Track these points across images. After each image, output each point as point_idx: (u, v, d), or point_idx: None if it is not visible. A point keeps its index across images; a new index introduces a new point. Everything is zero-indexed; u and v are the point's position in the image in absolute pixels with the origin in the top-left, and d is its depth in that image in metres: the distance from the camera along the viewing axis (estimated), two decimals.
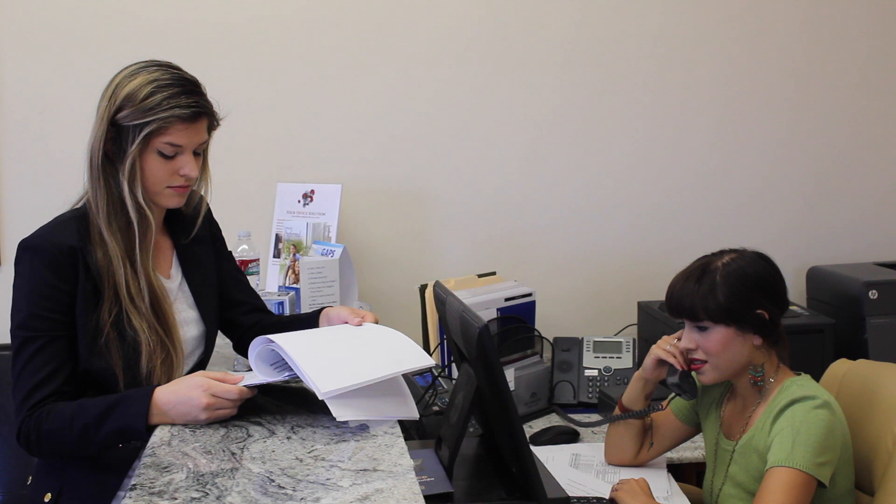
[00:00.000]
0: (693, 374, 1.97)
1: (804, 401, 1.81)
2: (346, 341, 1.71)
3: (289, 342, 1.59)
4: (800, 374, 1.92)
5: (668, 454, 2.24)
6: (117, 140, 1.69)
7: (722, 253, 1.93)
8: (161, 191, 1.74)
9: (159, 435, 1.51)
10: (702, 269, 1.90)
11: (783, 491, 1.74)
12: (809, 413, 1.79)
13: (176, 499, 1.25)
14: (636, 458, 2.14)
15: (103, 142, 1.69)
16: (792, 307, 2.57)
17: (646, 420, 2.13)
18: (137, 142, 1.67)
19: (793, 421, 1.79)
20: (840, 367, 2.09)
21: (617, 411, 2.12)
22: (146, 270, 1.73)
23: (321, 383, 1.50)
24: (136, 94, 1.67)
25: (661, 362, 2.01)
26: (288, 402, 1.66)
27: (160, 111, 1.66)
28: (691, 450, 2.29)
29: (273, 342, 1.58)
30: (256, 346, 1.62)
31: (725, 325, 1.86)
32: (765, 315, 1.87)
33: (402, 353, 1.67)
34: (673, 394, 2.07)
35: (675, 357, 1.97)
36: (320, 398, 1.50)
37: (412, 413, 1.62)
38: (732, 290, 1.85)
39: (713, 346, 1.88)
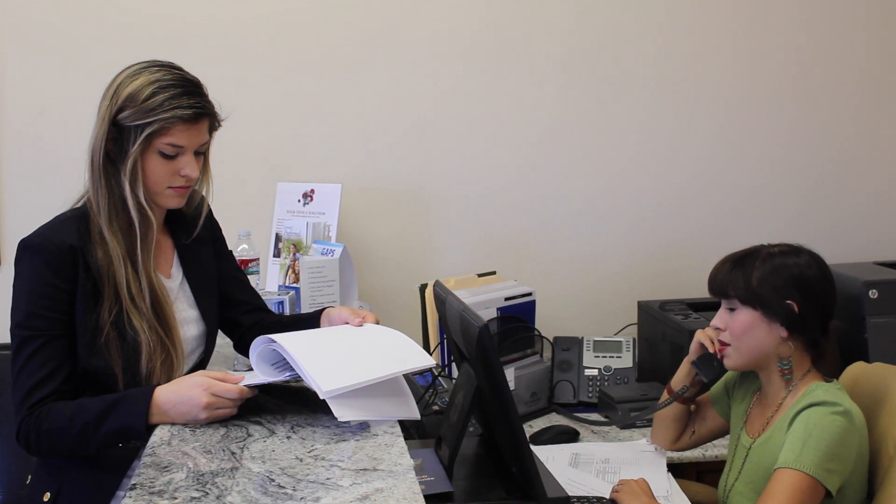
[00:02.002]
0: (719, 358, 1.96)
1: (823, 405, 1.78)
2: (347, 341, 1.72)
3: (290, 342, 1.59)
4: (831, 381, 1.89)
5: (669, 454, 2.25)
6: (119, 140, 1.69)
7: (777, 244, 1.93)
8: (162, 191, 1.74)
9: (159, 434, 1.51)
10: (746, 252, 1.92)
11: (787, 493, 1.72)
12: (825, 417, 1.76)
13: (176, 498, 1.25)
14: (677, 443, 2.16)
15: (104, 142, 1.69)
16: None
17: (690, 407, 2.12)
18: (139, 142, 1.67)
19: (807, 423, 1.77)
20: (855, 370, 2.07)
21: (664, 395, 2.13)
22: (147, 271, 1.73)
23: (323, 383, 1.50)
24: (137, 94, 1.67)
25: (703, 346, 2.02)
26: (288, 402, 1.66)
27: (162, 112, 1.66)
28: (691, 449, 2.29)
29: (274, 342, 1.58)
30: (258, 345, 1.62)
31: (752, 308, 1.87)
32: (794, 307, 1.84)
33: (402, 353, 1.67)
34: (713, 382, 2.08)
35: (711, 341, 1.98)
36: (321, 398, 1.50)
37: (413, 413, 1.62)
38: (765, 274, 1.86)
39: (737, 327, 1.88)
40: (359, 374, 1.54)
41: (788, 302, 1.85)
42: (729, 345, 1.91)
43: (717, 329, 1.94)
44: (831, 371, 1.92)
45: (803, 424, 1.77)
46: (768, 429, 1.89)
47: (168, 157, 1.70)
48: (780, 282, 1.85)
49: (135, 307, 1.70)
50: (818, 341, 1.89)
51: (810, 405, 1.79)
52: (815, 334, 1.88)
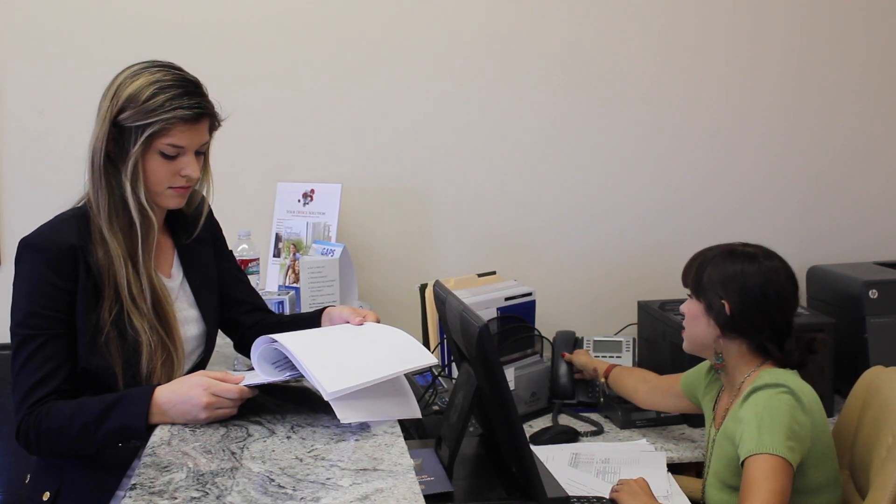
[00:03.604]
0: None
1: (767, 387, 1.83)
2: (349, 341, 1.71)
3: (293, 342, 1.58)
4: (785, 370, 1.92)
5: (669, 454, 2.26)
6: (119, 141, 1.69)
7: (751, 245, 1.98)
8: (162, 191, 1.74)
9: (159, 434, 1.51)
10: (719, 247, 1.99)
11: (765, 478, 1.73)
12: (772, 398, 1.81)
13: (176, 498, 1.25)
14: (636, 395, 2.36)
15: (105, 142, 1.69)
16: None
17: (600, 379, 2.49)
18: (140, 143, 1.67)
19: (756, 407, 1.81)
20: (872, 374, 2.07)
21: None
22: (148, 271, 1.73)
23: (327, 384, 1.50)
24: (138, 95, 1.66)
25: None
26: (288, 402, 1.66)
27: (162, 112, 1.66)
28: (691, 449, 2.30)
29: (277, 341, 1.58)
30: (259, 345, 1.62)
31: (696, 299, 1.97)
32: (725, 307, 1.90)
33: (404, 351, 1.67)
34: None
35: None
36: (326, 399, 1.50)
37: (415, 412, 1.61)
38: (714, 272, 1.94)
39: (686, 315, 2.02)
40: (362, 374, 1.54)
41: (722, 301, 1.91)
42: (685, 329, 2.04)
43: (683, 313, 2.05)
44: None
45: (752, 409, 1.81)
46: (726, 419, 1.94)
47: (169, 158, 1.70)
48: (721, 282, 1.93)
49: (135, 307, 1.70)
50: (766, 346, 1.92)
51: (755, 389, 1.84)
52: (759, 338, 1.92)
